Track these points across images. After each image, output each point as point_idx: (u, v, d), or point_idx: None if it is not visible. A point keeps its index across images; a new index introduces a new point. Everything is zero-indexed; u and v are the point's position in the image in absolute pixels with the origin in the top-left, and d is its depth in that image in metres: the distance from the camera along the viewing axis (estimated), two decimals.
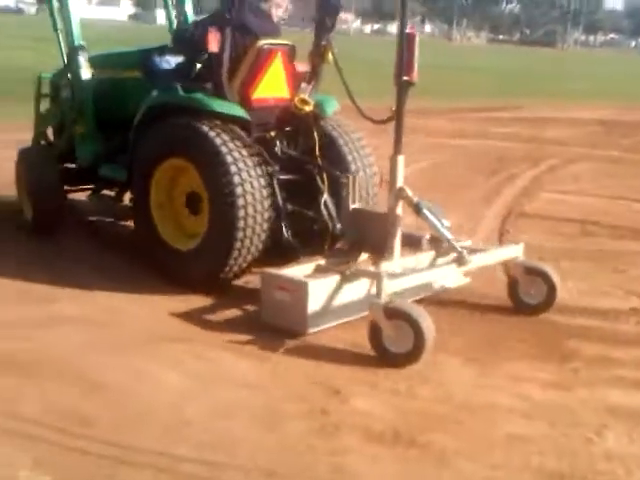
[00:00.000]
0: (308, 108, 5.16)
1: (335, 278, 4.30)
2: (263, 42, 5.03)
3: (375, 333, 3.96)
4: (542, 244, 6.36)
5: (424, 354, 3.89)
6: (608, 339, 4.49)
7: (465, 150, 11.42)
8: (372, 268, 4.46)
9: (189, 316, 4.51)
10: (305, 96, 5.24)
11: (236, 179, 4.59)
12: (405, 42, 4.55)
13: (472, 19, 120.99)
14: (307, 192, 5.05)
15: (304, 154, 5.19)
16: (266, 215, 4.73)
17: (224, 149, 4.65)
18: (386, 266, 4.44)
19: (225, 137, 4.71)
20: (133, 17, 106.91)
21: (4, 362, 3.78)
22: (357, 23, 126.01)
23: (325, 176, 5.04)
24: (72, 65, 5.95)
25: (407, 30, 4.58)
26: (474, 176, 9.33)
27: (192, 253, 4.86)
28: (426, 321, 3.93)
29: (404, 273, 4.45)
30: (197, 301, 4.73)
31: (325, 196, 4.99)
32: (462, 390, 3.73)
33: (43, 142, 6.52)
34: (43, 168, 5.97)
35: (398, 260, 4.61)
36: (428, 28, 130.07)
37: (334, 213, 4.98)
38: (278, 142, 5.21)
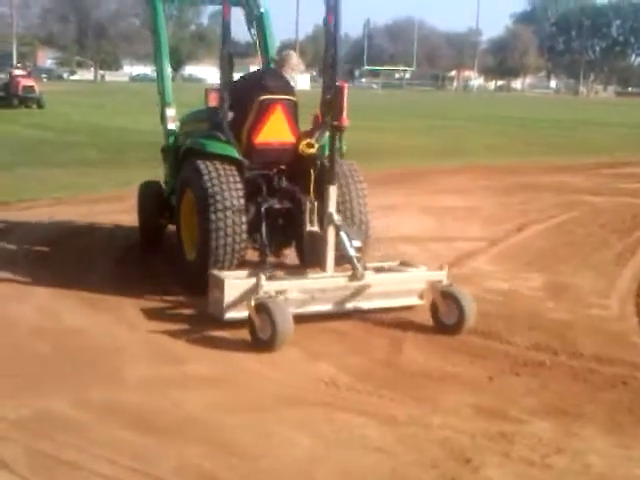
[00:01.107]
0: (312, 151, 6.08)
1: (250, 280, 5.20)
2: (264, 97, 6.08)
3: (250, 323, 4.97)
4: None
5: (280, 342, 4.84)
6: None
7: (598, 207, 11.08)
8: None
9: (318, 379, 4.53)
10: (312, 140, 6.14)
11: (212, 207, 5.69)
12: (336, 93, 5.66)
13: (599, 73, 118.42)
14: (298, 221, 5.91)
15: (302, 189, 6.04)
16: (243, 234, 5.79)
17: (208, 182, 5.74)
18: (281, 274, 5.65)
19: (213, 174, 5.78)
20: None
21: (144, 421, 3.92)
22: (480, 80, 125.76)
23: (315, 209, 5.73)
24: (162, 118, 7.28)
25: (338, 83, 5.69)
26: (607, 234, 9.03)
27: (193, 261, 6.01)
28: (282, 315, 4.86)
29: (285, 278, 5.53)
30: (325, 365, 4.76)
31: (308, 227, 5.73)
32: (601, 461, 3.57)
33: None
34: (148, 200, 7.32)
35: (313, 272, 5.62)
36: (553, 83, 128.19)
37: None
38: (277, 178, 6.21)
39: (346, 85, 5.77)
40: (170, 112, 7.34)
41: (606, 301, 6.28)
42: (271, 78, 6.35)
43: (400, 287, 5.79)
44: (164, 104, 7.37)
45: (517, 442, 3.75)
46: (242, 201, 5.81)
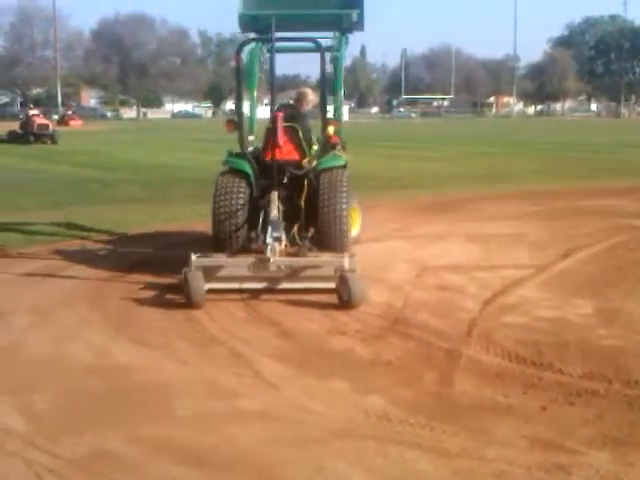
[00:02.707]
0: (307, 165, 7.85)
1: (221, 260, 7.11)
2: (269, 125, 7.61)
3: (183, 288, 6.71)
4: None
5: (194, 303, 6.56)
6: None
7: None
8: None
9: (369, 412, 4.50)
10: (310, 157, 7.94)
11: (215, 209, 7.75)
12: (272, 121, 7.46)
13: None
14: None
15: (298, 195, 7.74)
16: (239, 227, 7.60)
17: (216, 190, 7.85)
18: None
19: (221, 184, 7.86)
20: None
21: (196, 457, 3.93)
22: (519, 105, 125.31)
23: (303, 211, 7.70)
24: (241, 144, 8.24)
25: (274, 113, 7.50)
26: None
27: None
28: (194, 281, 6.63)
29: (212, 257, 7.15)
30: (376, 398, 4.73)
31: (297, 226, 7.65)
32: None
33: None
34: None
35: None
36: (594, 106, 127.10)
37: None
38: (283, 187, 7.62)
39: (280, 114, 7.44)
40: (250, 137, 8.61)
41: None
42: (283, 110, 7.86)
43: (309, 272, 7.05)
44: (246, 131, 8.41)
45: (574, 474, 3.68)
46: (240, 203, 7.63)
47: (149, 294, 7.24)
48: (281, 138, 7.37)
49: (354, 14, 8.79)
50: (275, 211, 7.26)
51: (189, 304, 6.63)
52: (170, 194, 15.39)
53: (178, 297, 6.88)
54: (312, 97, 8.51)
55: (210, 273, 6.90)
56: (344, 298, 6.65)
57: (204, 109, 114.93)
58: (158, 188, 16.63)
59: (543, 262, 8.65)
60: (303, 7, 8.92)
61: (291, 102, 8.89)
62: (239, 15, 9.03)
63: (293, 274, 7.04)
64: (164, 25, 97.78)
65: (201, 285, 6.66)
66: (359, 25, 9.08)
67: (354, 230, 8.81)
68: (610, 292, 7.30)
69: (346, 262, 6.79)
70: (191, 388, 4.94)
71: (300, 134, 7.96)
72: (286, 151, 7.65)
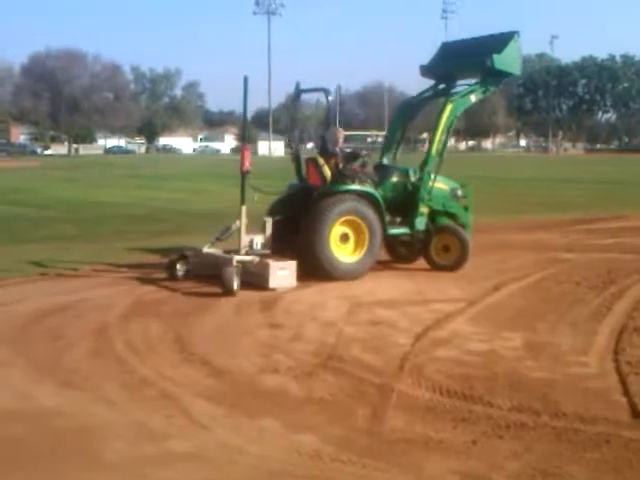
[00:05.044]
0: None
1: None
2: (306, 157, 10.53)
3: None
4: None
5: None
6: None
7: (573, 263, 11.19)
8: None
9: (301, 451, 4.47)
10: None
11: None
12: (241, 150, 9.96)
13: (567, 130, 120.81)
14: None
15: None
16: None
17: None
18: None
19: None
20: (236, 150, 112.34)
21: None
22: (451, 141, 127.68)
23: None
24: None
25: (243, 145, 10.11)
26: (584, 290, 9.10)
27: None
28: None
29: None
30: (308, 436, 4.70)
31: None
32: None
33: None
34: None
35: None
36: (523, 142, 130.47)
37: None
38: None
39: (247, 146, 9.97)
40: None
41: (585, 358, 6.30)
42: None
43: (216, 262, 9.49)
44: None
45: None
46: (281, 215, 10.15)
47: (75, 335, 7.09)
48: (309, 168, 10.25)
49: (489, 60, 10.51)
50: (240, 222, 9.59)
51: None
52: (101, 231, 15.15)
53: (107, 339, 6.76)
54: (340, 135, 10.55)
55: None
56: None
57: (137, 145, 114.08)
58: (89, 225, 16.36)
59: (473, 296, 8.78)
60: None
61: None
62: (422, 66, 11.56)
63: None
64: (97, 60, 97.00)
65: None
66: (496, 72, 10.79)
67: None
68: (538, 325, 7.44)
69: (234, 258, 9.13)
70: (120, 431, 4.82)
71: (321, 164, 10.14)
72: (310, 177, 10.27)
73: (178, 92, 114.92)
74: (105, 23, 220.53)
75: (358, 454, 4.40)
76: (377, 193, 10.20)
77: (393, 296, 8.90)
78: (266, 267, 9.21)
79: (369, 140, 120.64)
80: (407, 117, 12.17)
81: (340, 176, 10.07)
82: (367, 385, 5.62)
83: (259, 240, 9.70)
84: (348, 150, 10.91)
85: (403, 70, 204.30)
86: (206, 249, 9.84)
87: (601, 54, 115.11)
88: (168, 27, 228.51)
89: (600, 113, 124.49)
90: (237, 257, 9.29)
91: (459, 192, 11.24)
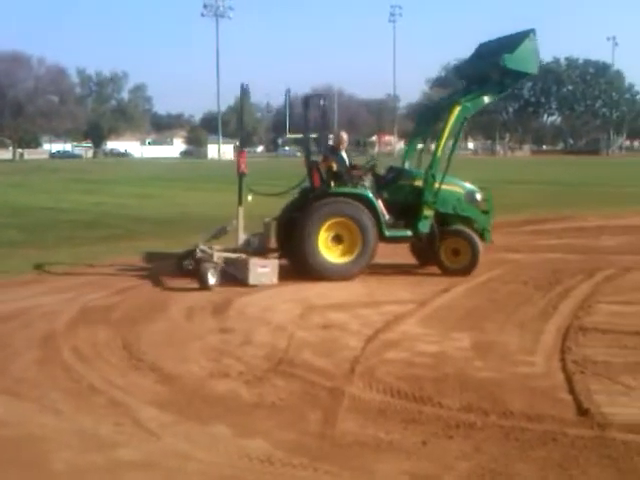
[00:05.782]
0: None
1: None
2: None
3: None
4: (606, 359, 6.24)
5: None
6: None
7: (520, 264, 11.37)
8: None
9: (252, 456, 4.45)
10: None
11: None
12: (239, 154, 10.77)
13: (514, 132, 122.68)
14: None
15: None
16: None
17: None
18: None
19: None
20: (184, 153, 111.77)
21: None
22: (401, 144, 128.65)
23: None
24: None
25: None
26: (530, 291, 9.24)
27: None
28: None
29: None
30: (258, 442, 4.69)
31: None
32: None
33: None
34: None
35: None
36: (471, 145, 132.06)
37: None
38: None
39: (244, 151, 11.14)
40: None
41: (532, 358, 6.40)
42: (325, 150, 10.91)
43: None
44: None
45: None
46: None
47: (21, 344, 6.96)
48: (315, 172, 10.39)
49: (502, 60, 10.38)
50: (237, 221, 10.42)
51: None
52: (47, 237, 14.88)
53: (54, 347, 6.64)
54: (345, 138, 10.89)
55: None
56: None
57: (84, 149, 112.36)
58: (35, 231, 16.06)
59: (423, 297, 8.86)
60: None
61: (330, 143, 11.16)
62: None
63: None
64: (41, 63, 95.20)
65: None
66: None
67: None
68: (486, 325, 7.54)
69: (216, 255, 9.73)
70: (67, 440, 4.75)
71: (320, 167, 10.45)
72: (316, 181, 10.37)
73: (125, 95, 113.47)
74: (50, 26, 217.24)
75: (309, 458, 4.41)
76: (370, 195, 10.30)
77: (344, 299, 8.93)
78: (246, 264, 9.57)
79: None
80: (429, 121, 12.18)
81: (335, 179, 10.35)
82: (318, 389, 5.62)
83: (255, 239, 10.28)
84: (355, 154, 11.52)
85: (351, 74, 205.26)
86: (202, 247, 10.05)
87: (546, 57, 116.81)
88: (115, 30, 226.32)
89: (545, 115, 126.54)
90: (217, 254, 9.79)
91: (477, 195, 11.15)
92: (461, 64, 11.62)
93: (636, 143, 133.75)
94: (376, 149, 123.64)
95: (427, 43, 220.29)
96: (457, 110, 10.64)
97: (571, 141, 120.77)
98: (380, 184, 10.79)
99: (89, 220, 18.17)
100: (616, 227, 15.94)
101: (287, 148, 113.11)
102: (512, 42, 10.72)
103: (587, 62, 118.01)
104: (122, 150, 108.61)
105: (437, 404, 5.26)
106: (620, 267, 10.71)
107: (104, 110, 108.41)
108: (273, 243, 10.65)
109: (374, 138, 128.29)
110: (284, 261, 10.39)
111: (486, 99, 10.92)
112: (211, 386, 5.72)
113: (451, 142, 11.12)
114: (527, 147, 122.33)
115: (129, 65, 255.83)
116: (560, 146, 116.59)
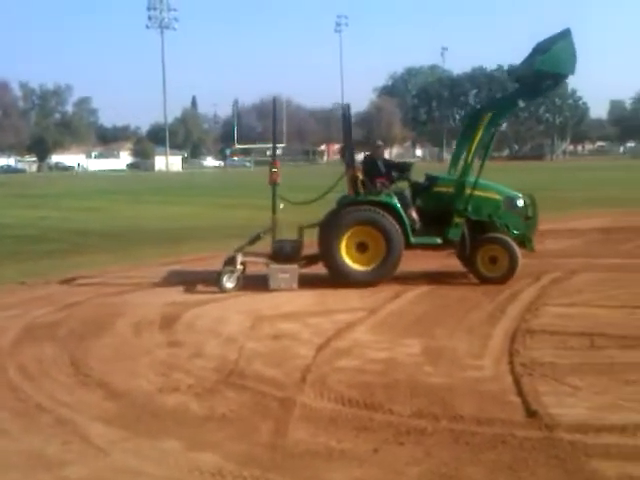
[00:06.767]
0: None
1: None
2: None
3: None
4: (553, 360, 6.34)
5: None
6: (630, 456, 4.40)
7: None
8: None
9: (202, 470, 4.41)
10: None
11: None
12: (271, 164, 11.04)
13: None
14: None
15: None
16: None
17: None
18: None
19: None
20: (131, 166, 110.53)
21: None
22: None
23: None
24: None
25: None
26: (479, 295, 9.36)
27: None
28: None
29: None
30: (209, 455, 4.65)
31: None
32: None
33: None
34: None
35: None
36: (419, 152, 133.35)
37: None
38: None
39: (277, 161, 11.20)
40: None
41: (481, 362, 6.47)
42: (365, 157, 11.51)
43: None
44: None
45: None
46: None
47: None
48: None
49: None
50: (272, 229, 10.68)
51: None
52: None
53: None
54: (382, 150, 11.89)
55: None
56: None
57: (28, 163, 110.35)
58: None
59: (374, 304, 8.90)
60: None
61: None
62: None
63: None
64: None
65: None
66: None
67: None
68: (436, 330, 7.60)
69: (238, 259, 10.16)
70: (14, 461, 4.65)
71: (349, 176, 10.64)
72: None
73: (69, 108, 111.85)
74: None
75: (261, 469, 4.38)
76: (395, 202, 10.36)
77: (295, 308, 8.92)
78: (268, 270, 10.13)
79: (268, 153, 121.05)
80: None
81: (362, 187, 10.57)
82: (269, 399, 5.60)
83: (287, 246, 10.60)
84: (395, 162, 12.23)
85: (298, 83, 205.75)
86: (233, 253, 10.42)
87: (490, 65, 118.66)
88: (59, 43, 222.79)
89: None
90: (240, 259, 10.23)
91: (519, 202, 10.85)
92: (515, 66, 11.48)
93: (579, 148, 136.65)
94: (325, 159, 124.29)
95: (374, 52, 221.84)
96: (488, 116, 10.64)
97: (516, 147, 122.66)
98: (416, 191, 10.84)
99: (34, 235, 17.86)
100: (560, 231, 16.21)
101: (236, 158, 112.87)
102: (547, 44, 10.52)
103: None
104: (70, 164, 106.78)
105: (388, 411, 5.29)
106: (566, 270, 10.90)
107: (48, 124, 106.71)
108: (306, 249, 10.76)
109: (323, 147, 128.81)
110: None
111: (521, 102, 10.96)
112: (160, 400, 5.66)
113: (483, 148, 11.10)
114: None
115: (74, 78, 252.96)
116: (506, 152, 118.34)
